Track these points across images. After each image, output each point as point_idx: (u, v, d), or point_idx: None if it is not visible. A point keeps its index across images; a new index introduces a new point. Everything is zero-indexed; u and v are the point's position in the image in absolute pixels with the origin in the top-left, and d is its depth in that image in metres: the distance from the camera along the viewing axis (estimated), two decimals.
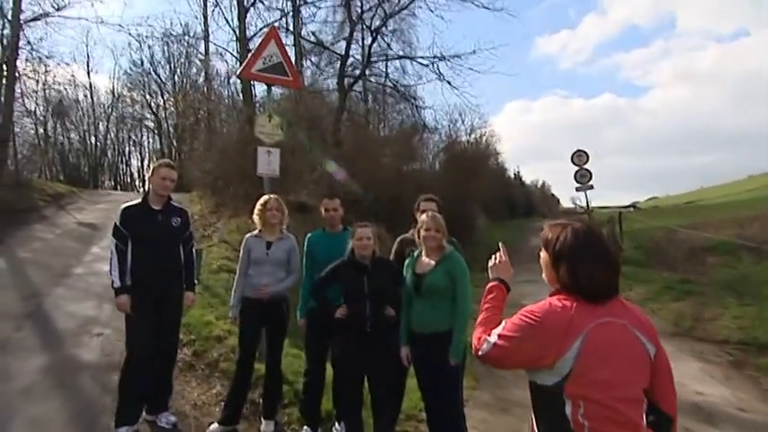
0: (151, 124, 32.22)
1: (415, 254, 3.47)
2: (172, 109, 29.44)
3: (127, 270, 3.67)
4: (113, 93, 30.88)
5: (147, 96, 30.39)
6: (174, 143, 29.66)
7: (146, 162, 34.12)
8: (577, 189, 15.07)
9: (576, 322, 1.56)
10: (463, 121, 26.49)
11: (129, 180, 33.87)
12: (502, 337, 1.64)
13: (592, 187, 14.89)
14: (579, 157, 15.05)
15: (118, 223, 3.68)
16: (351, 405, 3.56)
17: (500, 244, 2.14)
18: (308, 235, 4.14)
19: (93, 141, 31.11)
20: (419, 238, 3.40)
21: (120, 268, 3.65)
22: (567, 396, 1.56)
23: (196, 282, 4.26)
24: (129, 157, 34.30)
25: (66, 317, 6.25)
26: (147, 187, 3.87)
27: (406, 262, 3.51)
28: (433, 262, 3.29)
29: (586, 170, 14.96)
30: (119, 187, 31.38)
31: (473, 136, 26.67)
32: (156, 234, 3.72)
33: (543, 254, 1.74)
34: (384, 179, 18.00)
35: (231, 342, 5.50)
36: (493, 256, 2.09)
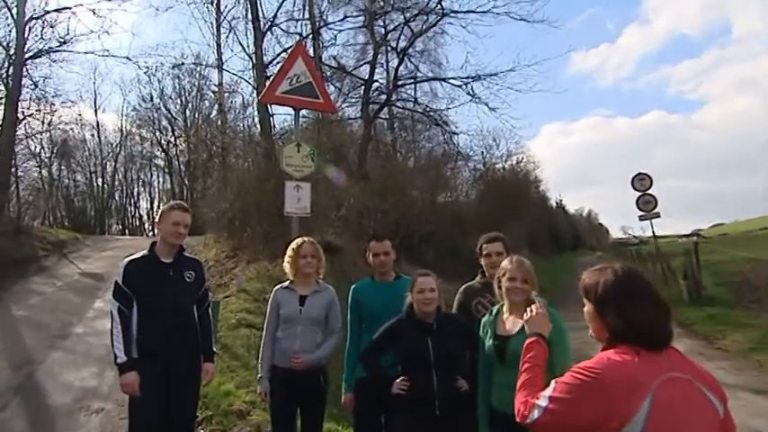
0: (161, 162, 32.84)
1: (494, 310, 3.04)
2: (183, 146, 29.99)
3: (132, 339, 3.23)
4: (122, 131, 31.75)
5: (157, 133, 31.11)
6: (186, 182, 30.02)
7: (155, 203, 34.59)
8: (641, 218, 14.26)
9: (642, 378, 1.50)
10: (498, 146, 26.06)
11: (137, 223, 34.31)
12: (554, 400, 1.58)
13: (658, 215, 14.09)
14: (641, 181, 14.32)
15: (120, 282, 3.28)
16: None
17: (533, 294, 2.25)
18: (354, 286, 3.79)
19: (99, 183, 31.80)
20: (499, 289, 2.98)
21: (125, 337, 3.21)
22: None
23: (215, 350, 3.71)
24: (138, 199, 34.83)
25: (61, 389, 5.81)
26: (155, 235, 3.41)
27: (483, 320, 3.08)
28: (520, 321, 2.85)
29: (651, 196, 14.19)
30: (127, 231, 31.79)
31: (510, 162, 26.28)
32: (167, 293, 3.33)
33: (587, 306, 1.70)
34: (416, 213, 17.61)
35: (256, 418, 4.98)
36: (528, 309, 2.09)
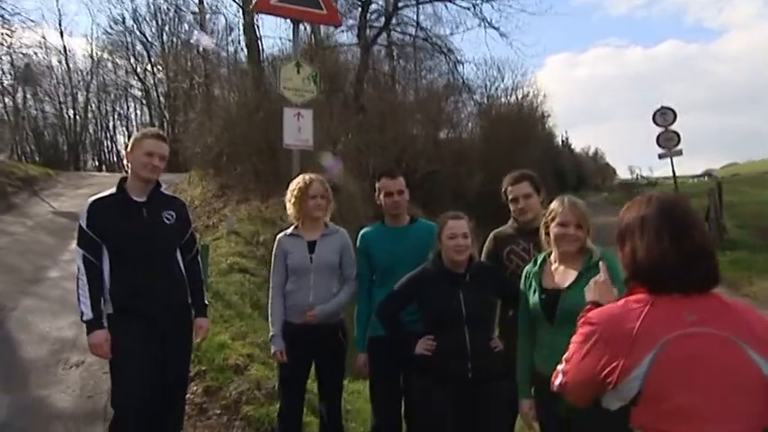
0: (138, 93, 31.60)
1: (539, 259, 2.75)
2: (161, 74, 28.71)
3: (103, 293, 2.89)
4: (92, 57, 30.18)
5: (132, 60, 29.69)
6: (166, 114, 28.99)
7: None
8: (661, 156, 13.83)
9: (649, 329, 1.42)
10: (503, 78, 25.16)
11: (115, 159, 33.36)
12: (567, 362, 1.60)
13: (680, 153, 13.65)
14: (664, 115, 13.78)
15: (84, 225, 2.88)
16: None
17: (600, 264, 2.11)
18: (362, 232, 3.50)
19: (71, 115, 30.55)
20: (547, 235, 2.69)
21: (92, 292, 2.85)
22: (634, 426, 1.45)
23: (206, 301, 3.41)
24: (115, 133, 33.75)
25: (36, 340, 5.54)
26: (125, 170, 3.03)
27: (526, 270, 2.80)
28: (572, 272, 2.60)
29: (674, 132, 13.70)
30: (104, 168, 31.00)
31: (516, 96, 25.52)
32: (140, 237, 2.97)
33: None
34: (417, 150, 17.13)
35: (255, 374, 4.76)
36: (592, 281, 1.99)
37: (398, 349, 3.05)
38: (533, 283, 2.68)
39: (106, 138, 33.40)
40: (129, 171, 3.04)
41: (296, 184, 3.36)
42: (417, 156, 16.45)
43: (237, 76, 13.83)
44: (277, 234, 3.53)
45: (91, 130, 32.47)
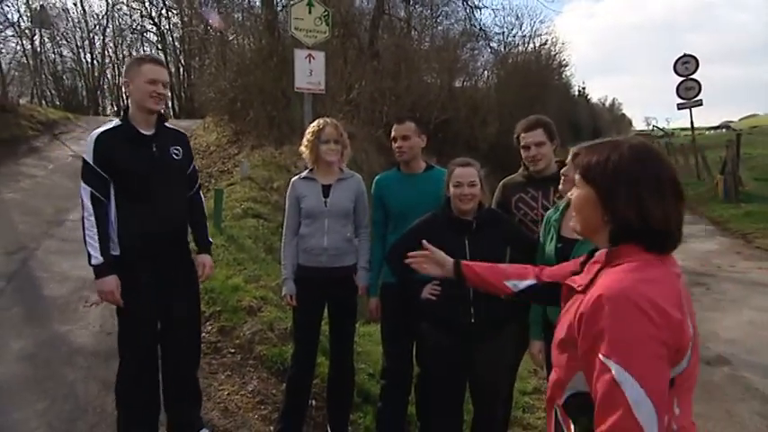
0: (153, 38, 30.94)
1: (561, 206, 2.63)
2: (176, 19, 28.04)
3: (111, 235, 2.71)
4: (107, 0, 29.51)
5: (147, 3, 28.89)
6: (182, 59, 28.54)
7: None
8: (680, 106, 13.37)
9: (685, 295, 1.30)
10: (521, 26, 24.18)
11: None
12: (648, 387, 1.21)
13: (700, 103, 13.16)
14: (686, 64, 13.23)
15: (90, 160, 2.67)
16: (445, 418, 2.94)
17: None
18: (377, 178, 3.44)
19: (88, 59, 30.13)
20: (564, 184, 2.56)
21: (101, 234, 2.67)
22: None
23: (210, 240, 3.35)
24: None
25: (58, 279, 5.62)
26: (125, 102, 2.89)
27: (547, 215, 2.72)
28: None
29: (694, 81, 13.17)
30: (122, 113, 30.75)
31: (533, 44, 24.58)
32: (152, 174, 2.78)
33: (581, 189, 1.39)
34: (432, 98, 16.76)
35: (267, 316, 4.79)
36: None
37: (408, 294, 3.00)
38: (552, 230, 2.60)
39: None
40: (130, 102, 2.81)
41: (311, 127, 3.29)
42: (431, 104, 16.08)
43: (252, 20, 13.40)
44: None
45: (109, 76, 31.99)
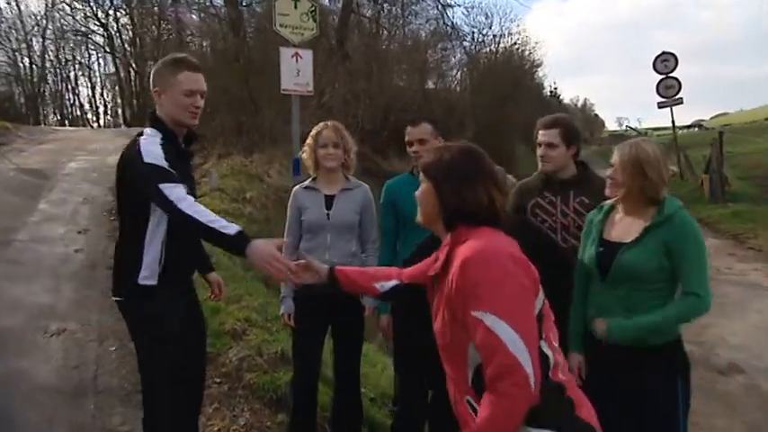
0: (100, 40, 30.16)
1: (606, 207, 2.58)
2: (125, 19, 27.40)
3: (158, 256, 2.44)
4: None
5: (92, 3, 28.12)
6: (133, 64, 27.81)
7: (98, 89, 32.39)
8: (660, 105, 13.70)
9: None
10: (491, 25, 24.49)
11: (78, 113, 32.27)
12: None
13: (680, 101, 13.52)
14: (665, 62, 13.58)
15: (163, 163, 2.29)
16: None
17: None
18: (388, 183, 3.35)
19: (26, 64, 29.29)
20: (611, 187, 2.52)
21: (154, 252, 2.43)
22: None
23: None
24: (76, 84, 32.45)
25: (10, 307, 5.26)
26: (156, 111, 2.52)
27: (589, 217, 2.65)
28: (639, 226, 2.43)
29: (674, 79, 13.52)
30: (66, 122, 29.91)
31: (504, 43, 24.94)
32: (192, 190, 2.60)
33: (423, 185, 1.76)
34: (405, 102, 16.78)
35: (254, 339, 4.61)
36: None
37: (424, 312, 2.88)
38: (593, 233, 2.53)
39: (67, 89, 32.06)
40: (160, 113, 2.53)
41: (311, 132, 3.20)
42: (406, 107, 16.10)
43: (212, 20, 13.15)
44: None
45: (50, 81, 31.18)
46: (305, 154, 3.22)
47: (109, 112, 32.81)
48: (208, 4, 13.28)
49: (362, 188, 3.26)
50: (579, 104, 55.80)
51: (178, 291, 2.53)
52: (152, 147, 2.33)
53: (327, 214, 3.12)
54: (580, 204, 2.92)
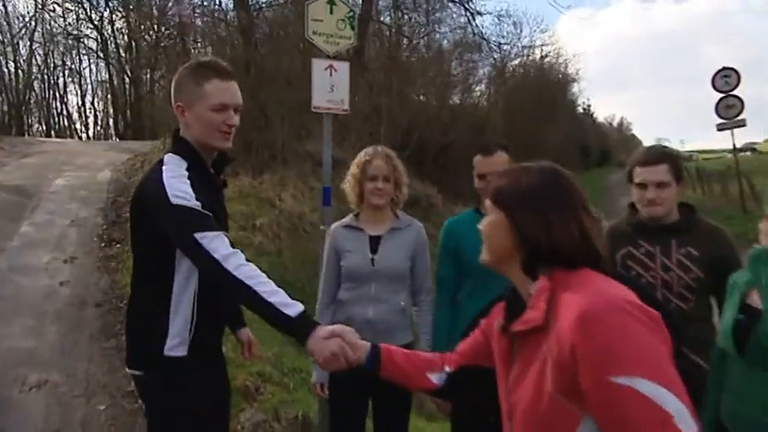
0: (93, 44, 30.54)
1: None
2: (120, 23, 27.77)
3: (188, 321, 2.22)
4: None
5: (86, 4, 28.52)
6: (128, 70, 28.05)
7: (88, 97, 32.67)
8: (720, 127, 13.38)
9: None
10: (520, 36, 24.49)
11: (65, 123, 32.58)
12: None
13: (743, 123, 13.21)
14: (726, 78, 13.32)
15: (198, 206, 2.07)
16: None
17: None
18: (448, 222, 3.15)
19: (11, 69, 29.49)
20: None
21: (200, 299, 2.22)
22: None
23: None
24: (65, 92, 32.73)
25: None
26: (180, 132, 2.27)
27: (732, 278, 2.31)
28: None
29: (736, 98, 13.23)
30: (53, 133, 30.18)
31: (534, 55, 24.94)
32: (225, 226, 2.40)
33: (492, 216, 1.55)
34: (428, 119, 16.64)
35: (270, 399, 4.49)
36: None
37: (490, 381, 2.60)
38: (735, 296, 2.22)
39: (55, 98, 32.38)
40: (185, 133, 2.28)
41: (357, 158, 3.01)
42: (430, 125, 15.97)
43: (221, 26, 13.12)
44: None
45: (36, 88, 31.53)
46: (348, 185, 3.03)
47: (99, 122, 33.17)
48: (215, 6, 13.31)
49: (414, 227, 3.07)
50: (615, 123, 55.71)
51: (209, 357, 2.32)
52: (178, 182, 2.09)
53: (372, 259, 2.93)
54: (686, 256, 2.66)
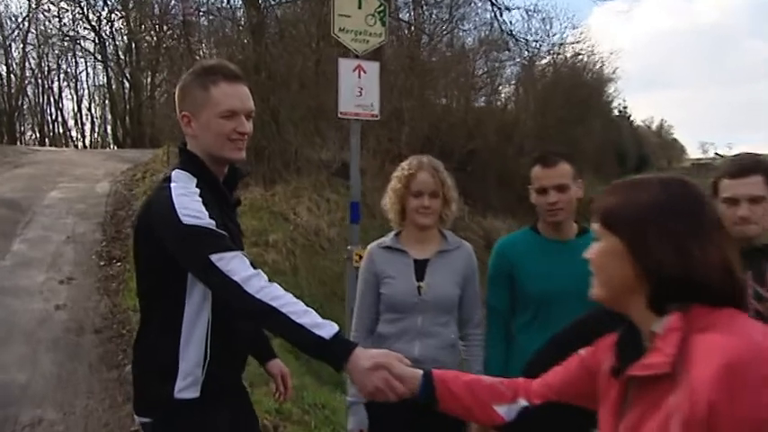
0: (90, 46, 30.84)
1: None
2: (120, 23, 27.99)
3: (201, 357, 2.14)
4: None
5: (83, 4, 28.83)
6: (128, 74, 28.27)
7: (84, 103, 33.02)
8: None
9: None
10: (549, 32, 24.30)
11: (60, 130, 32.89)
12: None
13: None
14: None
15: (207, 223, 2.03)
16: None
17: None
18: (501, 243, 3.04)
19: (3, 73, 29.81)
20: None
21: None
22: None
23: None
24: (60, 97, 33.10)
25: None
26: (187, 145, 2.21)
27: None
28: None
29: None
30: (46, 141, 30.51)
31: (565, 52, 24.78)
32: (240, 247, 2.32)
33: (605, 241, 1.39)
34: (451, 123, 16.57)
35: None
36: None
37: (554, 425, 2.47)
38: None
39: (49, 103, 32.71)
40: (193, 146, 2.23)
41: (398, 171, 2.87)
42: (453, 130, 15.88)
43: (229, 25, 13.15)
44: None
45: (30, 94, 31.93)
46: (389, 202, 2.90)
47: (97, 129, 33.48)
48: (222, 4, 13.28)
49: (464, 249, 2.96)
50: (654, 126, 55.28)
51: (227, 397, 2.23)
52: (189, 200, 2.03)
53: (419, 287, 2.80)
54: None
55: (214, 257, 1.90)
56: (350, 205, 4.11)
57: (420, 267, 2.85)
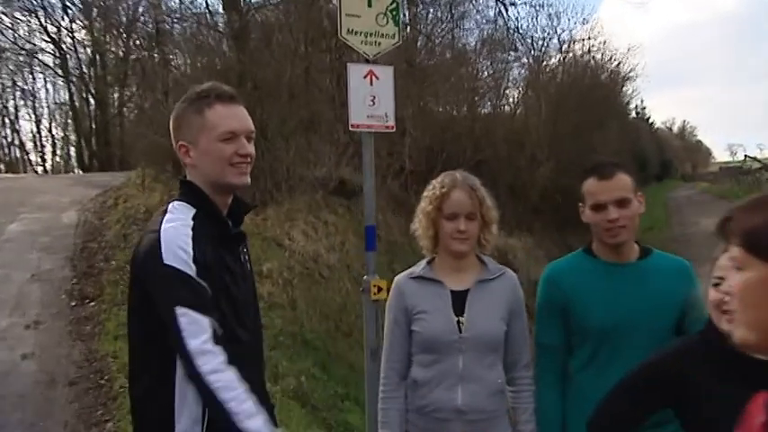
0: (50, 60, 30.96)
1: None
2: (82, 34, 28.07)
3: (199, 413, 2.15)
4: None
5: (41, 14, 28.97)
6: (92, 90, 28.30)
7: (44, 123, 33.01)
8: None
9: None
10: (557, 29, 24.59)
11: (17, 154, 32.88)
12: None
13: None
14: None
15: (192, 273, 2.08)
16: None
17: None
18: (550, 268, 3.00)
19: None
20: None
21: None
22: None
23: None
24: (17, 117, 32.95)
25: None
26: (187, 177, 2.32)
27: None
28: None
29: None
30: (2, 167, 30.60)
31: (576, 51, 25.01)
32: (247, 297, 2.41)
33: (750, 273, 1.31)
34: (456, 132, 16.63)
35: None
36: None
37: None
38: None
39: (4, 125, 32.74)
40: (193, 174, 2.29)
41: (429, 190, 2.82)
42: (458, 139, 15.93)
43: (207, 32, 13.18)
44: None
45: None
46: (420, 226, 2.82)
47: (59, 152, 33.45)
48: (199, 10, 13.30)
49: (508, 277, 2.89)
50: (676, 129, 55.87)
51: None
52: (177, 236, 2.08)
53: (459, 323, 2.72)
54: None
55: (179, 311, 1.95)
56: (365, 230, 4.03)
57: (458, 300, 2.78)
